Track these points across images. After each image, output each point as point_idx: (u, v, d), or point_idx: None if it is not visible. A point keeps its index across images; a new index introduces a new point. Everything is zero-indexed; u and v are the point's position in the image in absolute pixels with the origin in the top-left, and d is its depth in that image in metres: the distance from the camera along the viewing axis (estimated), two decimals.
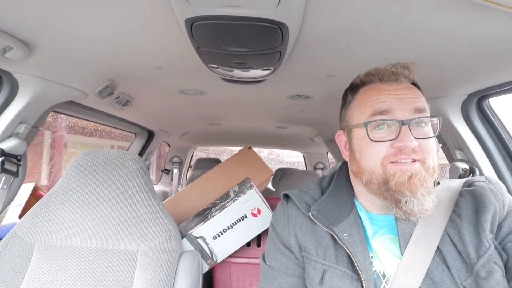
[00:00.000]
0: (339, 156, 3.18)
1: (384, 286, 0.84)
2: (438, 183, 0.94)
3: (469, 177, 0.97)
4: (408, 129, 0.81)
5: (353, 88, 0.96)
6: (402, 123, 0.81)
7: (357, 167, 0.89)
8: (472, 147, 1.47)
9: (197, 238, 1.53)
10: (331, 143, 3.09)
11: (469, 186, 0.91)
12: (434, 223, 0.84)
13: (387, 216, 0.90)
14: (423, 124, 0.85)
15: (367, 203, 0.94)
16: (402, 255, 0.84)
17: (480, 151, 1.47)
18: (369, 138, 0.84)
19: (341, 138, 0.99)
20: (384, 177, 0.82)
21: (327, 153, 4.27)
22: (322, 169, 4.30)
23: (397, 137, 0.81)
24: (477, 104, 1.45)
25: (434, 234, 0.83)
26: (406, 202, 0.80)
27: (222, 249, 1.55)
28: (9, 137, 1.40)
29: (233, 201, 1.57)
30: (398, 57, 0.93)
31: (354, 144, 0.91)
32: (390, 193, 0.82)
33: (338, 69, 1.34)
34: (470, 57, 1.09)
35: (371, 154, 0.85)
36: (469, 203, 0.85)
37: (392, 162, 0.82)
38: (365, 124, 0.85)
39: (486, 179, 0.90)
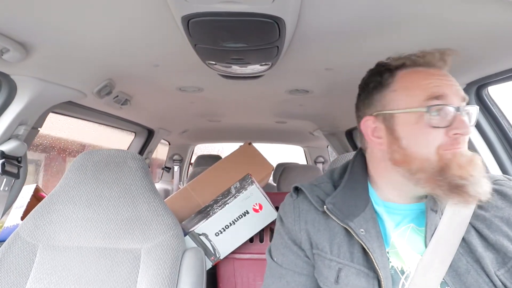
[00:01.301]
0: (339, 149, 3.17)
1: (403, 282, 0.81)
2: None
3: (489, 174, 0.95)
4: (464, 116, 0.78)
5: (391, 70, 0.88)
6: (458, 109, 0.79)
7: (404, 155, 0.82)
8: (472, 136, 1.47)
9: (200, 235, 1.54)
10: (331, 137, 3.08)
11: (492, 183, 0.87)
12: (458, 216, 0.82)
13: (411, 204, 0.87)
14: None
15: (394, 192, 0.88)
16: (426, 246, 0.81)
17: (480, 140, 1.47)
18: (428, 123, 0.79)
19: (367, 125, 0.90)
20: (441, 164, 0.78)
21: (327, 147, 4.26)
22: (323, 163, 4.30)
23: (451, 124, 0.78)
24: (476, 93, 1.45)
25: (458, 228, 0.80)
26: (474, 184, 0.76)
27: (225, 246, 1.56)
28: (9, 139, 1.40)
29: (235, 197, 1.57)
30: (395, 48, 0.92)
31: (399, 130, 0.83)
32: (449, 180, 0.77)
33: (336, 62, 1.34)
34: (467, 46, 1.09)
35: (426, 140, 0.79)
36: (498, 201, 0.83)
37: (447, 150, 0.78)
38: (428, 108, 0.79)
39: (510, 180, 0.89)
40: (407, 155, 0.81)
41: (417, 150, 0.80)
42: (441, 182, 0.77)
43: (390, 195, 0.89)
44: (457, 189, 0.76)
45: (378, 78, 0.89)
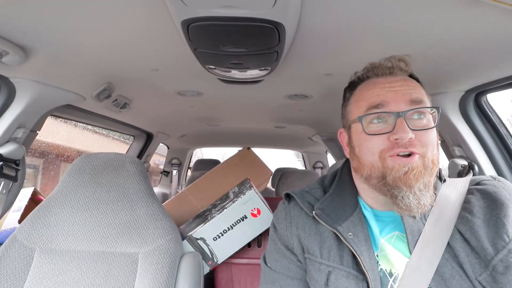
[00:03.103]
0: (338, 154, 3.18)
1: (391, 284, 0.82)
2: (445, 180, 0.93)
3: (476, 176, 0.96)
4: (404, 121, 0.80)
5: (351, 86, 0.96)
6: (398, 115, 0.81)
7: (357, 162, 0.89)
8: (471, 143, 1.47)
9: (198, 239, 1.53)
10: (330, 142, 3.09)
11: (477, 184, 0.90)
12: (443, 220, 0.83)
13: (391, 212, 0.89)
14: (422, 116, 0.84)
15: (370, 200, 0.92)
16: (410, 253, 0.82)
17: (479, 147, 1.47)
18: (365, 132, 0.84)
19: (343, 136, 0.98)
20: (383, 171, 0.82)
21: (326, 152, 4.26)
22: (322, 168, 4.30)
23: (393, 129, 0.81)
24: (474, 100, 1.45)
25: (444, 232, 0.82)
26: (402, 197, 0.79)
27: (222, 250, 1.55)
28: (7, 142, 1.40)
29: (233, 202, 1.57)
30: (394, 54, 0.92)
31: (353, 139, 0.90)
32: (387, 188, 0.81)
33: (335, 67, 1.34)
34: (466, 53, 1.09)
35: (368, 147, 0.84)
36: (481, 200, 0.84)
37: (391, 156, 0.81)
38: (360, 118, 0.85)
39: (495, 179, 0.90)
40: (359, 162, 0.88)
41: (364, 157, 0.86)
42: (384, 189, 0.82)
43: (369, 201, 0.93)
44: (393, 198, 0.81)
45: (344, 94, 0.99)
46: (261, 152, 2.27)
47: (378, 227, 0.89)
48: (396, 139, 0.80)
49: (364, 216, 0.91)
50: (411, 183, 0.79)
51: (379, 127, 0.84)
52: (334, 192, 0.97)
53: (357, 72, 0.96)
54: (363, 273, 0.82)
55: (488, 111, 1.45)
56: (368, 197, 0.93)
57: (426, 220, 0.85)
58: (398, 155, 0.80)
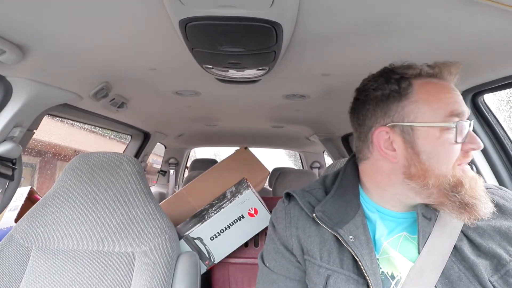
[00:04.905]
0: (335, 154, 3.17)
1: (393, 287, 0.81)
2: None
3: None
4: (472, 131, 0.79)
5: (408, 78, 0.83)
6: (469, 125, 0.79)
7: (422, 170, 0.79)
8: None
9: (195, 239, 1.53)
10: (327, 142, 3.09)
11: None
12: (450, 224, 0.82)
13: (405, 213, 0.87)
14: None
15: (391, 203, 0.88)
16: (419, 253, 0.81)
17: None
18: (452, 139, 0.77)
19: (381, 136, 0.84)
20: (457, 180, 0.77)
21: (323, 152, 4.27)
22: (319, 168, 4.30)
23: (465, 140, 0.78)
24: (471, 100, 1.45)
25: (450, 236, 0.81)
26: (483, 204, 0.76)
27: (219, 250, 1.55)
28: (4, 141, 1.39)
29: (230, 201, 1.57)
30: (392, 54, 0.93)
31: (420, 145, 0.79)
32: (461, 197, 0.76)
33: (332, 68, 1.34)
34: (463, 53, 1.09)
35: (447, 156, 0.78)
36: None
37: (459, 165, 0.79)
38: (457, 124, 0.77)
39: (501, 189, 0.91)
40: (425, 170, 0.79)
41: (437, 166, 0.78)
42: (454, 198, 0.77)
43: (387, 204, 0.88)
44: (467, 206, 0.76)
45: (395, 86, 0.83)
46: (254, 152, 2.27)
47: (386, 227, 0.87)
48: (472, 149, 0.79)
49: (367, 218, 0.88)
50: (482, 190, 0.78)
51: (459, 136, 0.78)
52: (336, 193, 0.92)
53: (409, 64, 0.86)
54: (364, 277, 0.80)
55: (485, 111, 1.46)
56: (393, 200, 0.87)
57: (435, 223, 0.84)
58: (463, 164, 0.80)
